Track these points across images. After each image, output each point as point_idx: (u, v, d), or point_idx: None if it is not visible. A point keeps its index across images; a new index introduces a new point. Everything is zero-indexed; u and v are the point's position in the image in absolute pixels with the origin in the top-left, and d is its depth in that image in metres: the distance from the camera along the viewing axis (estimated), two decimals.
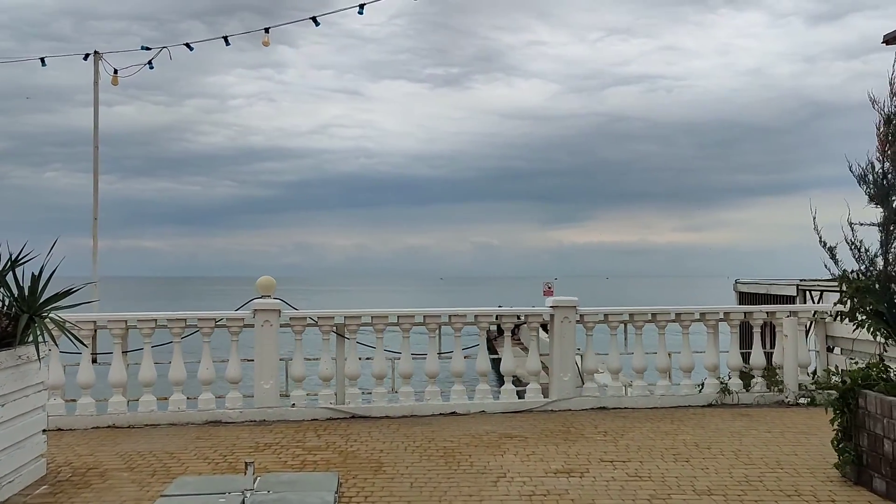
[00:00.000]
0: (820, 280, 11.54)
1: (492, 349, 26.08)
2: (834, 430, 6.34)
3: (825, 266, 6.10)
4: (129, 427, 8.70)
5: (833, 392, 6.29)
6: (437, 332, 9.56)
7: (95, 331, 9.08)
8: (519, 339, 25.19)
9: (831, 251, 6.05)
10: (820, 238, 6.07)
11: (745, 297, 14.16)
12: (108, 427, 8.70)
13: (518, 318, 9.90)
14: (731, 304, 14.64)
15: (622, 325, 9.93)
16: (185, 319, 9.00)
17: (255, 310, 9.05)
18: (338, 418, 9.11)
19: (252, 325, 9.14)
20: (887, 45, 10.32)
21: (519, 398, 9.56)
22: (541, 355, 9.83)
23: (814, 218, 6.10)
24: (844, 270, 6.05)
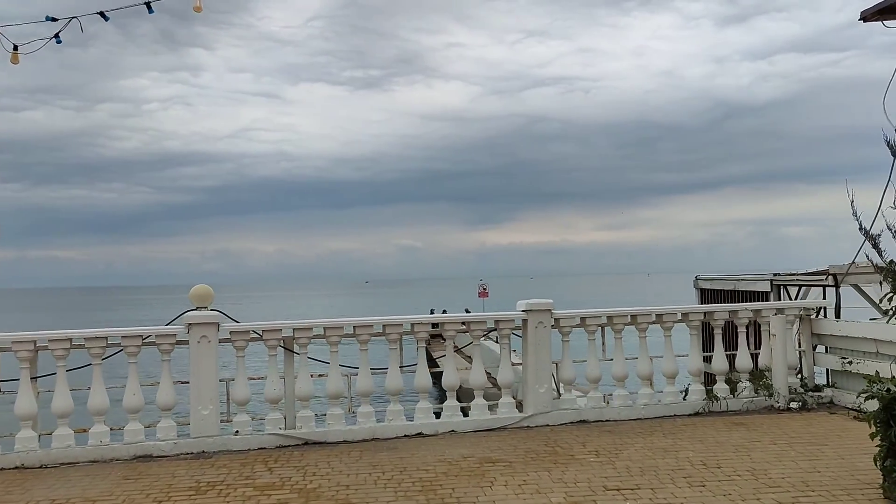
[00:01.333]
0: (797, 274, 10.94)
1: (429, 358, 24.88)
2: (877, 446, 5.55)
3: (867, 257, 5.32)
4: (41, 467, 7.37)
5: (872, 401, 5.51)
6: (399, 342, 8.52)
7: None
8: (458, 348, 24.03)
9: (874, 240, 5.25)
10: (860, 225, 5.28)
11: (707, 295, 13.52)
12: (16, 469, 7.34)
13: (486, 324, 8.87)
14: (695, 304, 14.03)
15: (599, 328, 9.06)
16: (107, 338, 7.72)
17: (190, 324, 7.83)
18: (289, 446, 7.96)
19: (186, 342, 7.92)
20: (864, 21, 9.74)
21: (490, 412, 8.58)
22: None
23: (852, 202, 5.30)
24: (891, 261, 5.26)
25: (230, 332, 8.06)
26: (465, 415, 8.52)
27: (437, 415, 8.52)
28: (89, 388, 7.77)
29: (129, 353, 7.79)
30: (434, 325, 8.91)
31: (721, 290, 13.11)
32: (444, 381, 8.55)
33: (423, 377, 8.49)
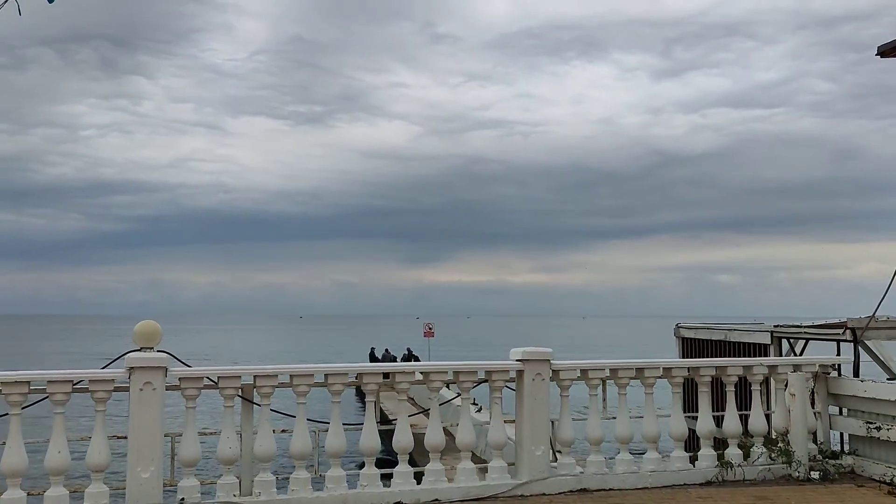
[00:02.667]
0: (802, 326, 10.17)
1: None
2: None
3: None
4: None
5: None
6: (376, 394, 7.37)
7: None
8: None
9: None
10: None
11: (691, 345, 12.71)
12: None
13: (476, 375, 7.75)
14: (675, 355, 13.17)
15: (601, 382, 8.06)
16: (29, 382, 6.38)
17: (132, 367, 6.55)
18: None
19: (126, 388, 6.63)
20: (882, 56, 9.17)
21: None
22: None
23: None
24: None
25: (179, 379, 6.80)
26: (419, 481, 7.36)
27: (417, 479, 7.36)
28: (3, 444, 6.41)
29: (56, 401, 6.45)
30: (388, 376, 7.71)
31: (708, 341, 12.29)
32: (429, 441, 7.40)
33: (404, 435, 7.33)
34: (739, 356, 11.04)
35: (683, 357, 12.80)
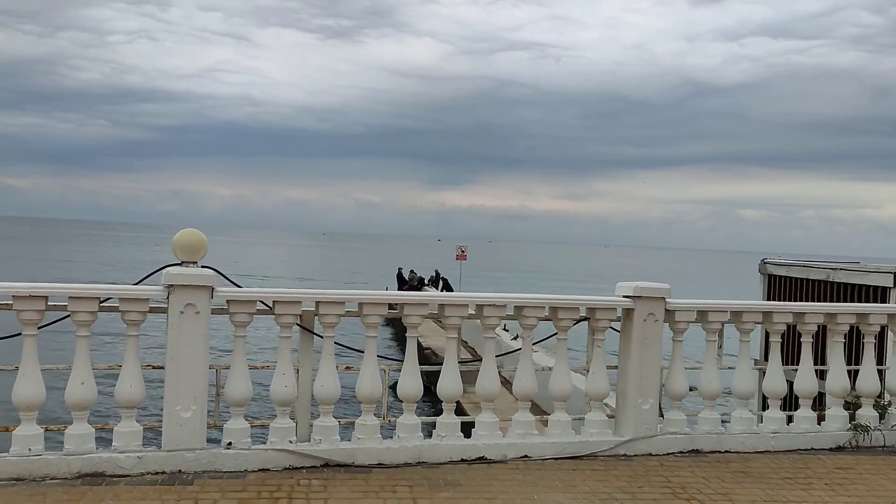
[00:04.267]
0: None
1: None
2: None
3: None
4: None
5: None
6: (458, 331, 6.16)
7: None
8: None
9: None
10: None
11: (779, 285, 11.37)
12: None
13: (578, 311, 6.47)
14: (758, 293, 11.89)
15: (721, 326, 6.79)
16: (46, 297, 5.21)
17: (171, 285, 5.36)
18: (302, 468, 5.60)
19: (164, 310, 5.47)
20: None
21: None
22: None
23: None
24: None
25: (228, 301, 5.61)
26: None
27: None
28: (15, 370, 5.29)
29: (80, 321, 5.30)
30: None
31: (803, 281, 10.93)
32: (518, 389, 6.22)
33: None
34: (845, 300, 9.72)
35: (768, 299, 11.48)
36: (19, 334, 5.29)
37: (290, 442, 5.67)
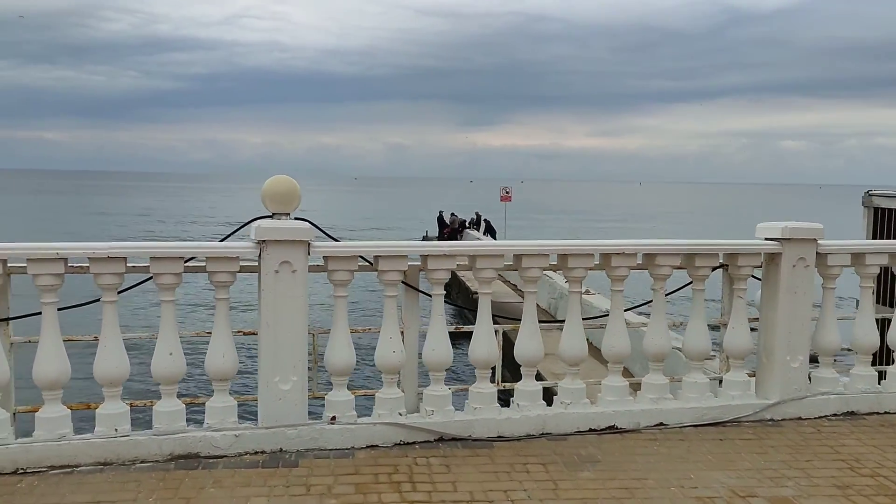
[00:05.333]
0: None
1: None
2: None
3: None
4: (14, 473, 4.35)
5: None
6: (579, 285, 5.42)
7: None
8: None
9: None
10: None
11: (888, 218, 10.42)
12: None
13: (717, 258, 5.69)
14: (862, 228, 10.97)
15: (879, 270, 5.95)
16: (125, 258, 4.55)
17: (263, 240, 4.67)
18: (414, 443, 4.97)
19: (254, 270, 4.80)
20: None
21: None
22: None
23: None
24: None
25: (325, 258, 4.91)
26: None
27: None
28: (95, 340, 4.67)
29: (164, 284, 4.64)
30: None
31: None
32: (649, 344, 5.49)
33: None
34: None
35: (876, 235, 10.57)
36: (96, 301, 4.67)
37: (400, 414, 5.02)
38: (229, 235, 4.98)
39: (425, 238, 49.98)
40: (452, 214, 50.61)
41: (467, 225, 49.11)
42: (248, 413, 5.02)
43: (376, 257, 4.99)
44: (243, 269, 4.80)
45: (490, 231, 46.06)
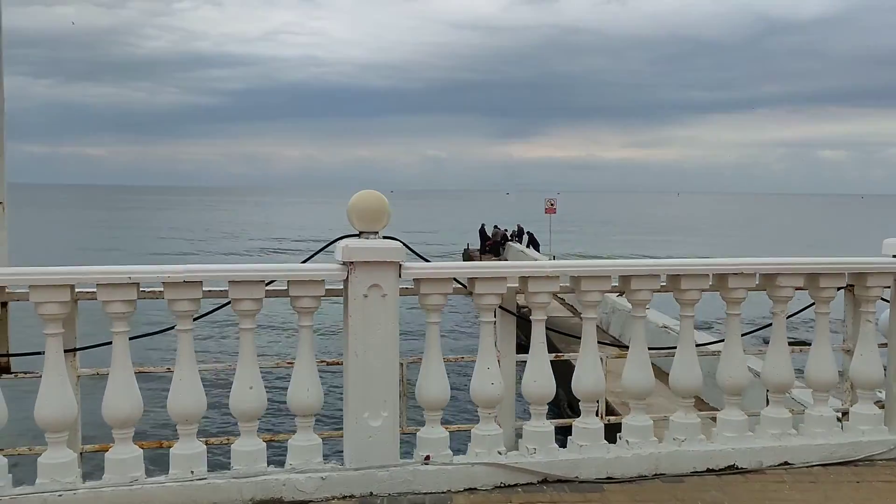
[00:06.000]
0: None
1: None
2: None
3: None
4: None
5: None
6: (691, 308, 4.89)
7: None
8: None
9: None
10: None
11: None
12: None
13: (843, 278, 5.13)
14: None
15: None
16: (201, 282, 4.14)
17: (351, 262, 4.23)
18: (516, 485, 4.48)
19: (339, 293, 4.38)
20: None
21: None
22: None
23: None
24: None
25: (416, 280, 4.46)
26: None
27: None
28: (170, 373, 4.26)
29: (243, 311, 4.22)
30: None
31: None
32: (770, 374, 4.95)
33: (740, 368, 4.87)
34: None
35: None
36: (170, 328, 4.27)
37: (500, 453, 4.54)
38: (311, 256, 4.55)
39: (466, 251, 49.55)
40: (495, 227, 50.10)
41: (510, 238, 48.56)
42: (327, 451, 4.58)
43: (472, 279, 4.53)
44: (331, 294, 4.37)
45: (533, 243, 45.47)
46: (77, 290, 4.13)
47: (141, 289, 4.11)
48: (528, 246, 45.23)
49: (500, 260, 38.30)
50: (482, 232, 49.25)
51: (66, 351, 4.10)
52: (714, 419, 4.98)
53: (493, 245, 46.57)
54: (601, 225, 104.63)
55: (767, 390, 5.04)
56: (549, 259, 36.40)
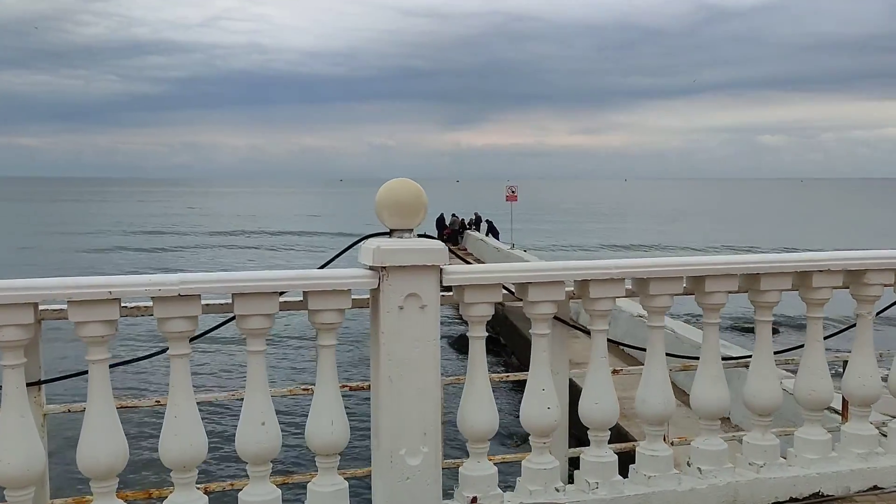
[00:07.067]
0: None
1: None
2: None
3: None
4: None
5: None
6: (770, 312, 4.22)
7: None
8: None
9: None
10: None
11: None
12: None
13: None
14: None
15: None
16: (199, 295, 3.31)
17: (383, 266, 3.46)
18: None
19: (365, 304, 3.61)
20: None
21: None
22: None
23: None
24: None
25: (457, 287, 3.70)
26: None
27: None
28: (158, 406, 3.44)
29: (251, 330, 3.42)
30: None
31: None
32: (854, 385, 4.32)
33: (823, 380, 4.23)
34: None
35: None
36: (160, 353, 3.45)
37: (557, 490, 3.82)
38: (331, 261, 3.75)
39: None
40: (453, 215, 49.37)
41: (467, 226, 47.92)
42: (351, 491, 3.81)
43: (522, 284, 3.79)
44: (358, 306, 3.59)
45: (493, 231, 44.91)
46: (41, 307, 3.28)
47: (123, 304, 3.28)
48: (487, 234, 44.66)
49: (457, 249, 37.53)
50: (440, 221, 48.47)
51: (28, 384, 3.25)
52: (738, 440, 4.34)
53: (451, 234, 45.84)
54: (561, 213, 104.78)
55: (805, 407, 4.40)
56: (510, 248, 35.81)
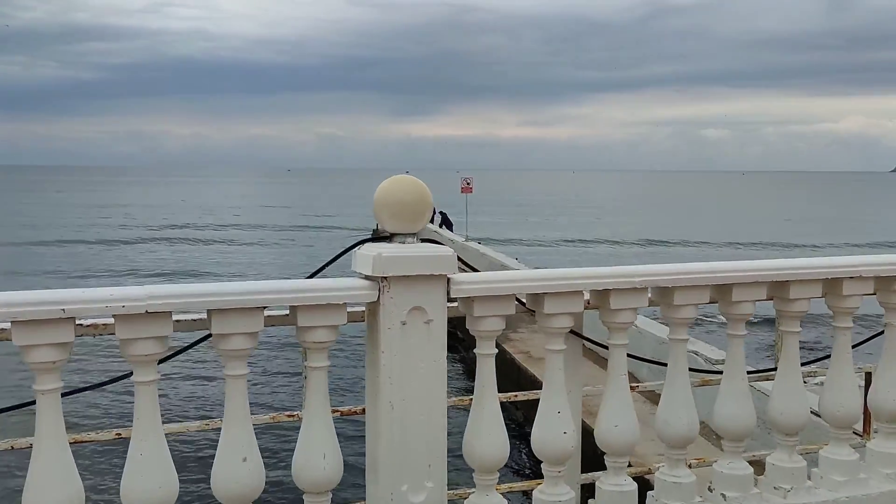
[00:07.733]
0: None
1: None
2: None
3: None
4: None
5: None
6: (798, 323, 3.88)
7: None
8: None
9: None
10: None
11: None
12: None
13: None
14: None
15: None
16: (170, 312, 2.82)
17: (384, 276, 3.01)
18: None
19: (360, 318, 3.15)
20: None
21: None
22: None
23: None
24: None
25: (462, 299, 3.26)
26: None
27: None
28: (118, 440, 2.93)
29: (231, 351, 2.93)
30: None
31: None
32: (883, 398, 4.01)
33: (852, 395, 3.91)
34: None
35: None
36: (124, 378, 2.95)
37: None
38: (320, 269, 3.28)
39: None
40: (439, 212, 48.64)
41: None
42: None
43: (537, 295, 3.36)
44: (354, 321, 3.13)
45: (446, 223, 44.48)
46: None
47: (78, 322, 2.77)
48: (440, 226, 44.22)
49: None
50: None
51: None
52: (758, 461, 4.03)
53: None
54: (513, 206, 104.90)
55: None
56: (465, 240, 35.43)
